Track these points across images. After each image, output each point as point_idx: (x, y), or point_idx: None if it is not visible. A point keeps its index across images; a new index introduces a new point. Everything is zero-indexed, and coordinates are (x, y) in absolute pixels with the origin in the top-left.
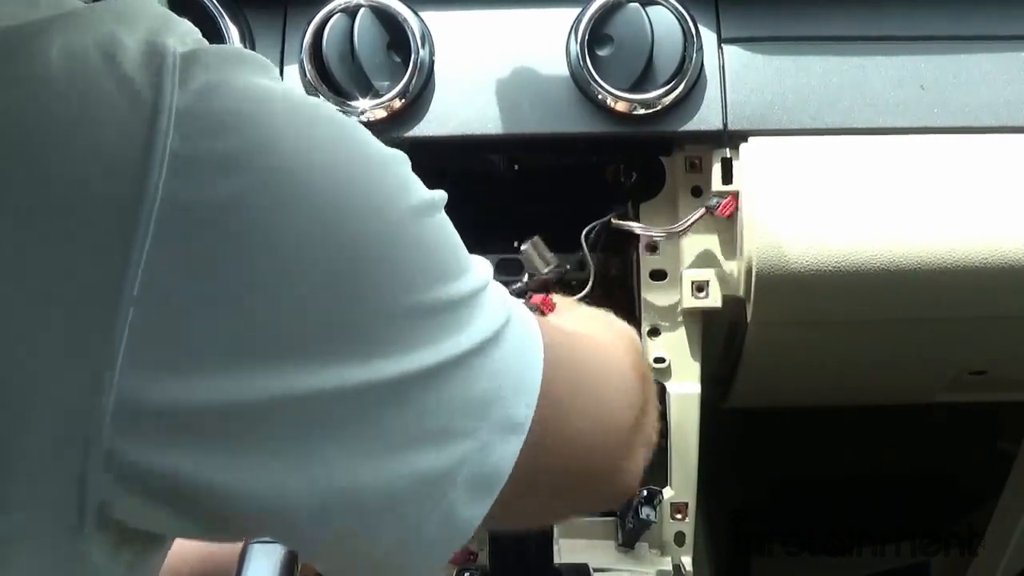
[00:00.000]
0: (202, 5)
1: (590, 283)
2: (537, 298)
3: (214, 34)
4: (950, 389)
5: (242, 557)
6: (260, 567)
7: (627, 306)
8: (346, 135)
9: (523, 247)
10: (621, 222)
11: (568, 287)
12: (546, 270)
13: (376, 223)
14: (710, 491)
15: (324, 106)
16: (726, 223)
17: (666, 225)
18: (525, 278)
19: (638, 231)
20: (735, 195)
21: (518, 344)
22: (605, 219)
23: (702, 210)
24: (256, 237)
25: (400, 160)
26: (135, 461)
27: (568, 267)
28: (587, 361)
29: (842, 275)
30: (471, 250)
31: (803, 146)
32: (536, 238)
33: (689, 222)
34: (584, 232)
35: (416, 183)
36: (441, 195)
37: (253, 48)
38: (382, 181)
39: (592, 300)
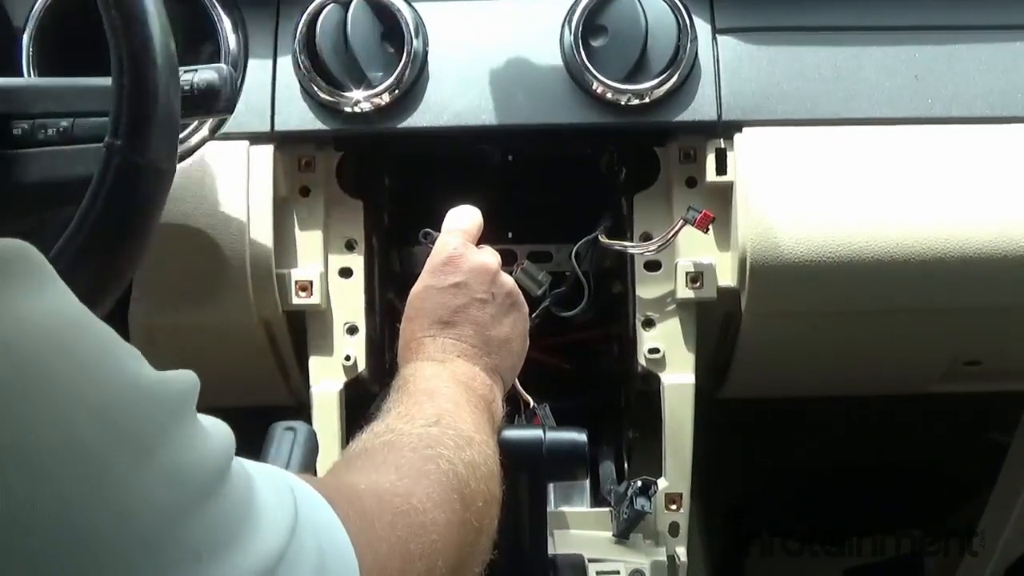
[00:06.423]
0: None
1: (584, 301)
2: None
3: (208, 25)
4: (944, 379)
5: (267, 438)
6: (284, 443)
7: (621, 296)
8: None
9: (514, 274)
10: (608, 240)
11: (564, 302)
12: (539, 291)
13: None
14: (705, 482)
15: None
16: (720, 213)
17: (660, 216)
18: (517, 270)
19: (628, 250)
20: (707, 212)
21: None
22: (592, 236)
23: (680, 222)
24: None
25: (178, 426)
26: None
27: (562, 287)
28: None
29: (836, 265)
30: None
31: (797, 136)
32: (526, 263)
33: (670, 235)
34: (573, 251)
35: (196, 461)
36: (227, 451)
37: (246, 40)
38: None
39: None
